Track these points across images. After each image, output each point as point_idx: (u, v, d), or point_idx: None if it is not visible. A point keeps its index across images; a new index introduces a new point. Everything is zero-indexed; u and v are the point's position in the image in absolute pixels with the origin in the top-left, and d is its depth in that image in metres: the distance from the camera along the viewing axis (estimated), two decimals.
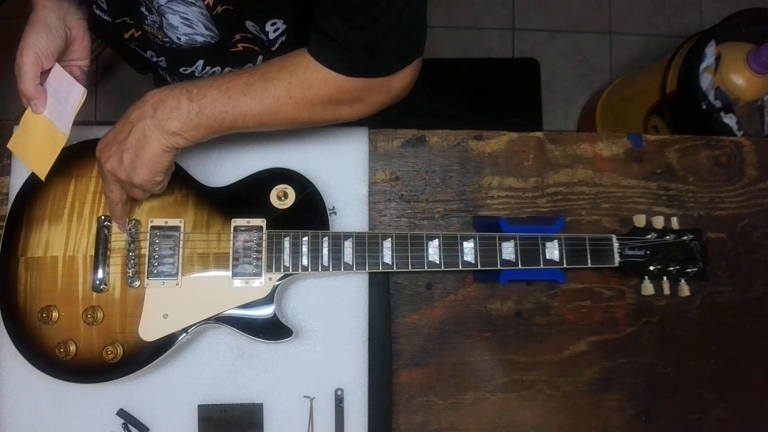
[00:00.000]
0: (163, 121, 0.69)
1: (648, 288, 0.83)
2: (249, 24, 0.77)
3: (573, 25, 2.13)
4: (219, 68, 0.87)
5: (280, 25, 0.78)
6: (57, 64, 0.77)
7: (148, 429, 0.81)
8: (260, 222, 0.80)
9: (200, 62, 0.85)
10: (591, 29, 2.13)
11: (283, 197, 0.82)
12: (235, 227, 0.80)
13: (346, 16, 0.66)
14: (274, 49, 0.82)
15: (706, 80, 1.41)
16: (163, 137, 0.70)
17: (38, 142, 0.79)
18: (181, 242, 0.79)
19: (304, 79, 0.71)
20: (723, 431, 0.90)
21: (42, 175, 0.79)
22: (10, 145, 0.81)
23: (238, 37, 0.80)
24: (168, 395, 0.82)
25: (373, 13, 0.65)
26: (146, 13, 0.77)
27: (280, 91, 0.71)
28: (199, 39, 0.80)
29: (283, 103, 0.72)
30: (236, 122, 0.72)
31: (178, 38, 0.79)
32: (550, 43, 2.11)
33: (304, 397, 0.83)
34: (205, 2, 0.72)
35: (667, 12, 2.15)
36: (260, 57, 0.85)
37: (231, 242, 0.79)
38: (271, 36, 0.79)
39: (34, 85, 0.75)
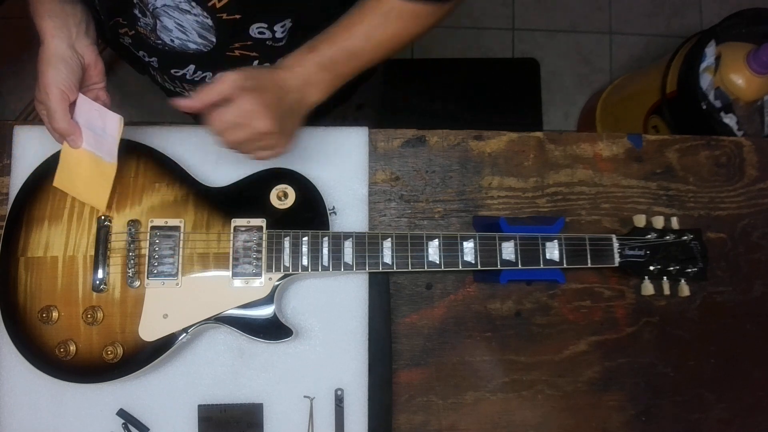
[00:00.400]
0: (308, 98, 0.76)
1: (648, 288, 0.83)
2: (254, 27, 0.77)
3: (573, 25, 2.13)
4: (210, 73, 0.87)
5: (288, 23, 0.79)
6: (81, 94, 0.76)
7: (148, 429, 0.81)
8: (260, 222, 0.80)
9: (192, 66, 0.86)
10: (591, 29, 2.13)
11: (283, 197, 0.82)
12: (235, 227, 0.80)
13: None
14: (280, 44, 0.82)
15: (706, 80, 1.41)
16: (305, 110, 0.77)
17: (87, 176, 0.78)
18: (181, 242, 0.79)
19: (407, 21, 0.77)
20: (723, 431, 0.90)
21: (102, 206, 0.79)
22: (56, 183, 0.79)
23: (237, 45, 0.80)
24: (168, 395, 0.82)
25: None
26: (139, 15, 0.76)
27: (397, 35, 0.77)
28: (192, 46, 0.80)
29: (400, 41, 0.78)
30: (358, 72, 0.78)
31: (172, 41, 0.79)
32: (550, 43, 2.11)
33: (304, 397, 0.83)
34: (211, 3, 0.72)
35: (667, 12, 2.15)
36: (255, 62, 0.85)
37: (231, 242, 0.80)
38: (278, 35, 0.80)
39: (68, 122, 0.75)
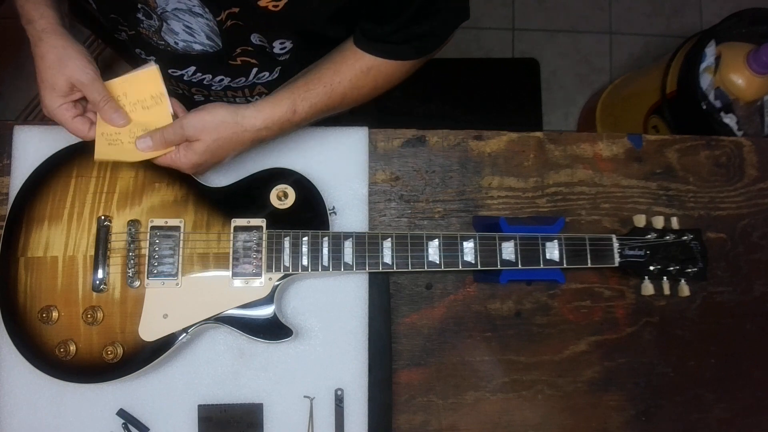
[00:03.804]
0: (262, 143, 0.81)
1: (648, 288, 0.83)
2: (254, 36, 0.77)
3: (573, 25, 2.13)
4: (210, 75, 0.87)
5: (288, 44, 0.80)
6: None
7: (148, 429, 0.81)
8: (260, 222, 0.80)
9: (192, 68, 0.86)
10: (591, 29, 2.13)
11: (283, 197, 0.82)
12: (235, 227, 0.80)
13: (400, 24, 0.75)
14: (280, 59, 0.82)
15: (706, 80, 1.41)
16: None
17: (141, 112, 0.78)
18: (181, 242, 0.79)
19: (387, 75, 0.80)
20: (723, 431, 0.90)
21: (168, 119, 0.77)
22: (98, 157, 0.77)
23: (238, 50, 0.80)
24: (168, 395, 0.82)
25: (422, 12, 0.74)
26: (143, 18, 0.76)
27: (372, 91, 0.81)
28: (197, 47, 0.80)
29: (372, 96, 0.82)
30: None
31: (176, 43, 0.79)
32: (550, 43, 2.11)
33: (304, 397, 0.83)
34: (218, 18, 0.72)
35: (667, 12, 2.15)
36: (254, 69, 0.85)
37: (231, 242, 0.79)
38: (277, 51, 0.81)
39: (111, 94, 0.75)
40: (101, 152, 0.78)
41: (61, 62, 0.72)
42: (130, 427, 0.81)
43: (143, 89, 0.77)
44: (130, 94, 0.77)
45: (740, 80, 1.40)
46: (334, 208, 0.87)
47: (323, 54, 0.82)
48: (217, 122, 0.74)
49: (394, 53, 0.78)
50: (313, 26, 0.77)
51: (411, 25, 0.76)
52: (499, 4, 2.12)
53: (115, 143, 0.78)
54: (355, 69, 0.78)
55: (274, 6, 0.68)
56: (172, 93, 0.95)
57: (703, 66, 1.41)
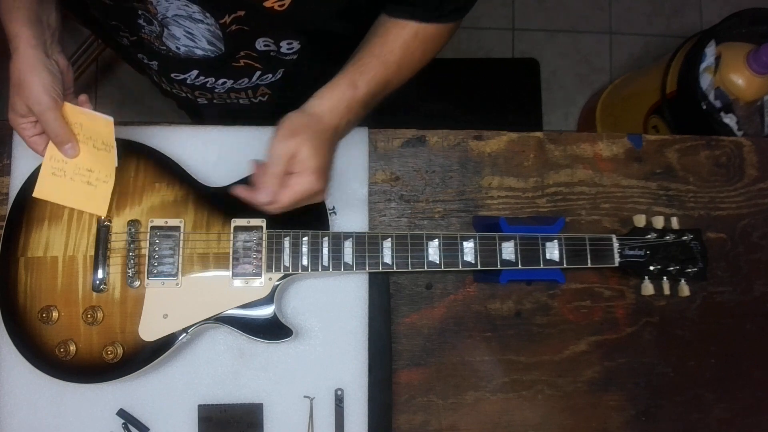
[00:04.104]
0: (345, 133, 0.79)
1: (648, 288, 0.83)
2: (260, 41, 0.77)
3: (573, 25, 2.13)
4: (212, 78, 0.87)
5: (296, 44, 0.80)
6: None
7: (148, 429, 0.81)
8: (260, 222, 0.80)
9: (195, 72, 0.86)
10: (591, 29, 2.13)
11: None
12: (235, 227, 0.80)
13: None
14: (287, 59, 0.82)
15: (706, 80, 1.41)
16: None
17: (81, 183, 0.78)
18: (181, 242, 0.79)
19: (433, 38, 0.80)
20: (723, 431, 0.90)
21: (103, 212, 0.78)
22: (37, 194, 0.78)
23: (242, 53, 0.80)
24: (168, 395, 0.82)
25: None
26: (144, 24, 0.76)
27: (423, 58, 0.81)
28: (199, 52, 0.80)
29: (423, 64, 0.82)
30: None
31: (177, 48, 0.79)
32: (550, 43, 2.11)
33: (304, 397, 0.83)
34: (221, 21, 0.72)
35: (667, 12, 2.15)
36: (258, 72, 0.85)
37: (231, 242, 0.79)
38: (284, 50, 0.81)
39: (66, 127, 0.74)
40: (42, 187, 0.78)
41: (19, 86, 0.72)
42: (130, 427, 0.81)
43: (98, 131, 0.76)
44: (86, 127, 0.76)
45: (740, 80, 1.40)
46: (334, 208, 0.87)
47: (332, 51, 0.82)
48: (297, 122, 0.72)
49: (435, 17, 0.78)
50: (319, 24, 0.77)
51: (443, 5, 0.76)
52: (499, 4, 2.12)
53: (59, 174, 0.77)
54: (403, 36, 0.78)
55: (279, 6, 0.68)
56: (174, 96, 0.96)
57: (703, 66, 1.41)
